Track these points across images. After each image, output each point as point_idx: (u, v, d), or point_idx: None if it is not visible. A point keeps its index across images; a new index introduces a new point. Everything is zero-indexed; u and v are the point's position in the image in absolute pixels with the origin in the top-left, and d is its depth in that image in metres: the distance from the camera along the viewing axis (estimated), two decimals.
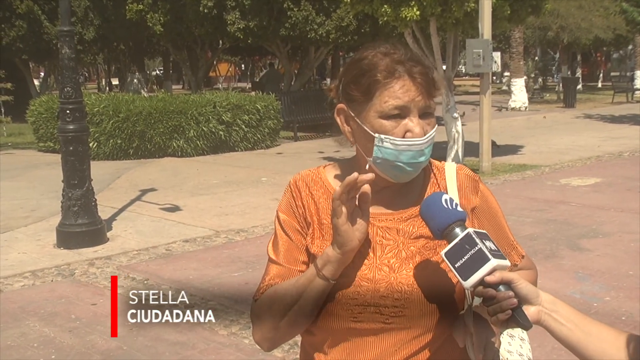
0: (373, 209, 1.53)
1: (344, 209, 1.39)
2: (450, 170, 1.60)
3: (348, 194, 1.39)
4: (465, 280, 1.31)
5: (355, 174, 1.36)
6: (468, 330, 1.46)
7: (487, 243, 1.32)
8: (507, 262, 1.32)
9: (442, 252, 1.35)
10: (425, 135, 1.46)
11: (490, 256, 1.29)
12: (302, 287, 1.46)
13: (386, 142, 1.45)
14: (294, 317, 1.48)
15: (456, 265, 1.32)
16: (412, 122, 1.45)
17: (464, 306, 1.51)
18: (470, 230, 1.34)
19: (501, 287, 1.29)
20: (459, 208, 1.39)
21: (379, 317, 1.45)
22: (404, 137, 1.45)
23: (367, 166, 1.50)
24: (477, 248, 1.31)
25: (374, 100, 1.46)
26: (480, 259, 1.30)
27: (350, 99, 1.50)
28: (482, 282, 1.30)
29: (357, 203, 1.44)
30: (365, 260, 1.49)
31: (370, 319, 1.46)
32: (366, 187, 1.40)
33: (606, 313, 4.79)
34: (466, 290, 1.50)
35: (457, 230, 1.36)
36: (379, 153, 1.46)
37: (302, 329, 1.54)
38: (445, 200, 1.40)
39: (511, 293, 1.29)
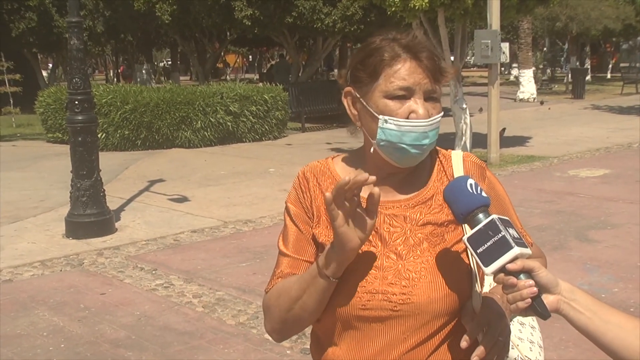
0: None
1: (340, 212, 1.36)
2: (457, 158, 1.60)
3: (343, 196, 1.34)
4: (486, 266, 1.30)
5: (346, 178, 1.31)
6: (476, 316, 1.47)
7: (511, 230, 1.32)
8: (528, 251, 1.31)
9: (465, 237, 1.35)
10: (429, 117, 1.46)
11: (513, 244, 1.29)
12: (305, 285, 1.46)
13: (390, 123, 1.45)
14: (299, 313, 1.50)
15: (478, 251, 1.32)
16: (417, 104, 1.45)
17: (471, 292, 1.51)
18: (494, 216, 1.33)
19: (522, 275, 1.29)
20: (483, 193, 1.38)
21: (387, 304, 1.46)
22: (407, 118, 1.45)
23: (372, 149, 1.51)
24: (500, 235, 1.30)
25: (379, 81, 1.46)
26: (503, 246, 1.29)
27: (357, 80, 1.50)
28: (503, 269, 1.29)
29: (362, 203, 1.42)
30: (373, 248, 1.49)
31: (379, 307, 1.46)
32: (374, 190, 1.34)
33: (614, 304, 4.76)
34: (474, 277, 1.50)
35: (481, 215, 1.35)
36: (382, 135, 1.46)
37: (309, 323, 1.55)
38: (470, 184, 1.39)
39: (532, 282, 1.29)
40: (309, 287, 1.45)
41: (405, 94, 1.45)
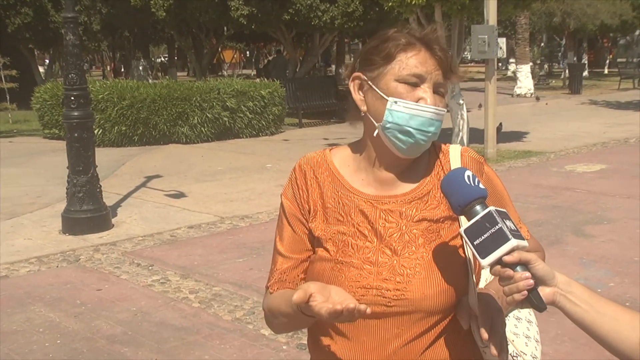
0: (376, 191, 1.55)
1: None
2: (454, 153, 1.60)
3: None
4: (483, 258, 1.30)
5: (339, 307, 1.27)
6: (472, 312, 1.46)
7: (508, 223, 1.31)
8: (525, 243, 1.31)
9: (462, 229, 1.35)
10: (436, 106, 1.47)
11: (510, 236, 1.28)
12: (296, 322, 1.51)
13: (399, 104, 1.46)
14: (293, 329, 1.62)
15: (475, 243, 1.31)
16: (426, 92, 1.46)
17: (467, 288, 1.51)
18: (491, 208, 1.33)
19: (518, 268, 1.29)
20: (481, 185, 1.38)
21: (381, 299, 1.46)
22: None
23: (375, 133, 1.50)
24: (497, 227, 1.30)
25: (392, 64, 1.47)
26: (500, 238, 1.29)
27: (368, 63, 1.51)
28: (499, 261, 1.29)
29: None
30: (368, 243, 1.49)
31: (373, 302, 1.45)
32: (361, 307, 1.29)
33: (610, 299, 4.75)
34: (470, 272, 1.50)
35: (478, 207, 1.34)
36: (389, 117, 1.47)
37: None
38: (468, 176, 1.38)
39: (528, 274, 1.28)
40: (300, 323, 1.52)
41: (417, 81, 1.46)
